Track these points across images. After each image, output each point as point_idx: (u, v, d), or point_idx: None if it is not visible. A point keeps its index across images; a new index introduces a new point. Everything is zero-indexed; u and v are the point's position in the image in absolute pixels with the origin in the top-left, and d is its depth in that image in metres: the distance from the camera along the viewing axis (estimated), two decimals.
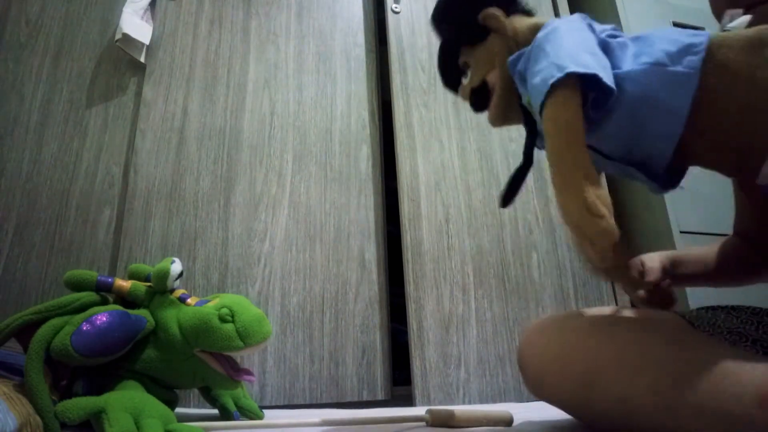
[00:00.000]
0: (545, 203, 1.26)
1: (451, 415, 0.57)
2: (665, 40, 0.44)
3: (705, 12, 1.52)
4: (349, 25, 1.34)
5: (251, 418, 0.67)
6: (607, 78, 0.41)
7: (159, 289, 0.60)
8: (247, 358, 0.97)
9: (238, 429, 0.60)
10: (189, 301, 0.60)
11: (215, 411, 0.68)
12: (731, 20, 0.46)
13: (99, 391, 0.53)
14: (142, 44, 1.16)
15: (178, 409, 0.65)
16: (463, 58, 0.59)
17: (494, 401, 1.02)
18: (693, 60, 0.42)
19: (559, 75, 0.40)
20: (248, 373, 0.61)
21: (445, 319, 1.06)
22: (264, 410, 0.71)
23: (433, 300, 1.07)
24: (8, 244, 1.01)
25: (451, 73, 0.61)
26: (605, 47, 0.47)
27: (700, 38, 0.42)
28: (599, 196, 0.38)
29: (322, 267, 1.09)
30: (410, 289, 1.07)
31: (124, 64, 1.18)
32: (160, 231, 1.04)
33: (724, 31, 0.45)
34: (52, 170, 1.07)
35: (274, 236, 1.09)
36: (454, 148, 1.24)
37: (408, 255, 1.09)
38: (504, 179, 1.25)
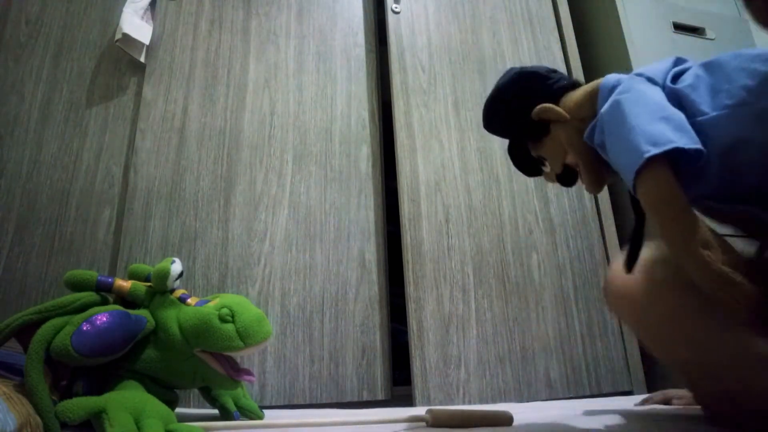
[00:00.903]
0: (545, 203, 1.26)
1: (451, 415, 0.57)
2: (741, 72, 0.42)
3: (705, 12, 1.52)
4: (349, 25, 1.34)
5: (251, 418, 0.67)
6: (689, 142, 0.40)
7: (159, 289, 0.60)
8: (247, 358, 0.97)
9: (238, 429, 0.60)
10: (189, 301, 0.60)
11: (215, 411, 0.68)
12: None
13: (99, 391, 0.53)
14: (142, 44, 1.16)
15: (178, 409, 0.65)
16: (534, 152, 0.61)
17: (494, 401, 1.02)
18: None
19: (639, 163, 0.40)
20: (248, 373, 0.61)
21: (445, 319, 1.06)
22: (264, 410, 0.71)
23: (433, 300, 1.07)
24: (8, 244, 1.01)
25: (529, 167, 0.63)
26: (676, 98, 0.46)
27: None
28: (725, 261, 0.37)
29: (322, 267, 1.09)
30: (410, 289, 1.07)
31: (124, 64, 1.18)
32: (160, 231, 1.04)
33: None
34: (52, 170, 1.07)
35: (274, 236, 1.09)
36: (454, 148, 1.24)
37: (408, 255, 1.09)
38: (504, 179, 1.25)
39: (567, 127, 0.56)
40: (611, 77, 0.52)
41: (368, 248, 1.14)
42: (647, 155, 0.40)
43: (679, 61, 0.51)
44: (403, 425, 0.59)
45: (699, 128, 0.43)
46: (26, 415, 0.42)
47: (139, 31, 1.14)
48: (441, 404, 0.98)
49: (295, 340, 1.01)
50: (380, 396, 1.01)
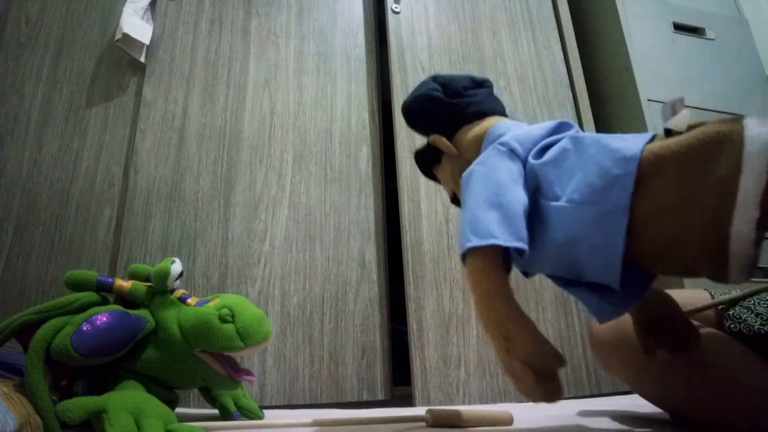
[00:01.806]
0: None
1: (451, 415, 0.57)
2: (594, 166, 0.41)
3: (705, 12, 1.52)
4: (349, 25, 1.34)
5: (251, 419, 0.67)
6: (510, 239, 0.40)
7: (159, 289, 0.60)
8: (247, 358, 0.97)
9: (238, 429, 0.60)
10: (189, 301, 0.60)
11: (215, 411, 0.68)
12: (673, 112, 0.40)
13: (99, 391, 0.53)
14: (142, 44, 1.16)
15: (178, 409, 0.65)
16: (434, 170, 0.61)
17: (494, 401, 1.02)
18: (620, 197, 0.38)
19: (463, 249, 0.41)
20: (248, 373, 0.61)
21: (445, 319, 1.06)
22: (264, 410, 0.71)
23: (433, 300, 1.07)
24: (8, 244, 1.01)
25: (431, 178, 0.63)
26: (534, 175, 0.45)
27: (627, 167, 0.38)
28: (520, 354, 0.37)
29: (322, 267, 1.09)
30: (410, 289, 1.07)
31: (124, 64, 1.18)
32: (160, 231, 1.04)
33: (665, 129, 0.40)
34: (52, 170, 1.07)
35: (274, 236, 1.09)
36: None
37: (408, 255, 1.09)
38: None
39: (454, 162, 0.55)
40: (498, 127, 0.51)
41: (368, 248, 1.14)
42: (468, 245, 0.40)
43: (561, 127, 0.49)
44: (403, 425, 0.59)
45: (547, 212, 0.43)
46: (26, 415, 0.42)
47: (139, 31, 1.14)
48: (441, 404, 0.98)
49: (295, 340, 1.01)
50: (380, 396, 1.01)
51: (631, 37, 1.41)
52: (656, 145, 0.38)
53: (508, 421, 0.59)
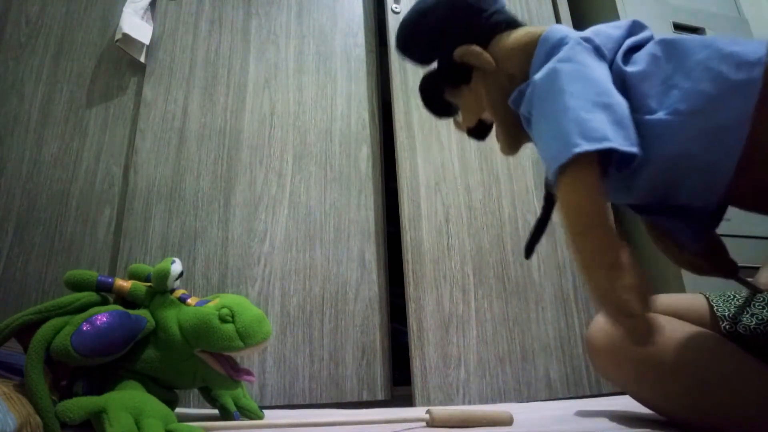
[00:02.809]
0: None
1: (451, 415, 0.57)
2: (706, 71, 0.35)
3: (705, 12, 1.52)
4: (349, 26, 1.34)
5: (251, 419, 0.67)
6: (625, 143, 0.34)
7: (159, 290, 0.60)
8: (246, 358, 0.97)
9: (238, 429, 0.60)
10: (189, 301, 0.60)
11: (215, 411, 0.68)
12: None
13: (99, 391, 0.53)
14: (142, 44, 1.16)
15: (178, 409, 0.65)
16: (450, 97, 0.52)
17: (494, 401, 1.02)
18: (741, 108, 0.33)
19: (566, 157, 0.34)
20: (248, 373, 0.61)
21: (445, 319, 1.06)
22: (264, 410, 0.71)
23: (433, 300, 1.07)
24: (8, 244, 1.01)
25: (440, 109, 0.54)
26: (623, 82, 0.39)
27: (752, 72, 0.33)
28: (629, 286, 0.32)
29: (322, 267, 1.09)
30: (410, 289, 1.07)
31: (124, 64, 1.18)
32: (160, 231, 1.04)
33: None
34: (52, 170, 1.07)
35: (274, 236, 1.09)
36: (454, 148, 1.24)
37: (408, 255, 1.09)
38: (504, 179, 1.25)
39: (490, 79, 0.47)
40: (555, 31, 0.43)
41: (368, 248, 1.14)
42: (576, 150, 0.33)
43: (635, 27, 0.43)
44: (403, 425, 0.59)
45: (641, 127, 0.36)
46: (26, 415, 0.42)
47: (139, 31, 1.14)
48: (441, 404, 0.98)
49: (295, 340, 1.01)
50: (380, 396, 1.01)
51: None
52: None
53: (508, 421, 0.59)
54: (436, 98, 0.53)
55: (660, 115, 0.36)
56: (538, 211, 1.35)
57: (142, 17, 1.18)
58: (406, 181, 1.16)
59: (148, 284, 0.62)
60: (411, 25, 0.51)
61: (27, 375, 0.46)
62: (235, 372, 0.60)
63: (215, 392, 0.67)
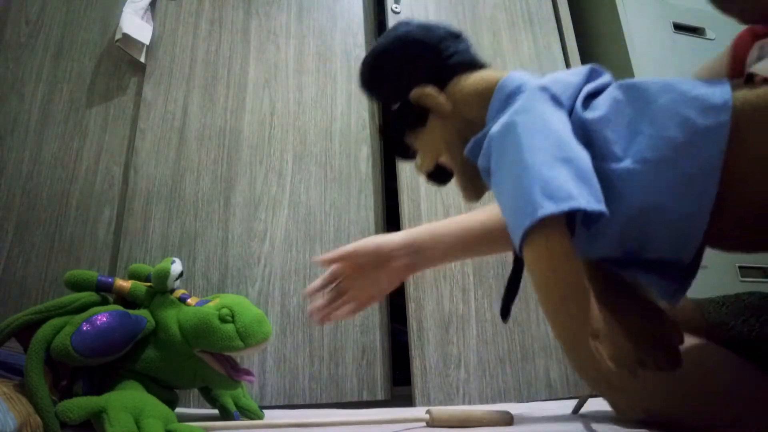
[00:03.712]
0: None
1: (450, 415, 0.57)
2: (671, 116, 0.33)
3: (705, 12, 1.52)
4: (349, 26, 1.34)
5: (251, 419, 0.67)
6: (591, 201, 0.31)
7: (159, 290, 0.60)
8: (247, 358, 0.97)
9: (238, 429, 0.60)
10: (189, 301, 0.60)
11: (215, 411, 0.68)
12: (760, 57, 0.33)
13: (99, 391, 0.53)
14: (142, 44, 1.16)
15: (178, 409, 0.65)
16: (408, 139, 0.50)
17: (494, 401, 1.02)
18: (711, 152, 0.31)
19: (532, 220, 0.32)
20: (248, 373, 0.61)
21: (445, 319, 1.06)
22: (264, 410, 0.71)
23: (433, 300, 1.07)
24: (8, 244, 1.01)
25: (401, 151, 0.52)
26: (584, 131, 0.36)
27: (719, 117, 0.31)
28: (613, 356, 0.31)
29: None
30: (410, 289, 1.07)
31: (124, 64, 1.18)
32: (160, 231, 1.04)
33: (748, 74, 0.33)
34: (52, 170, 1.07)
35: (274, 236, 1.09)
36: None
37: None
38: None
39: (447, 123, 0.45)
40: (513, 79, 0.41)
41: None
42: (541, 213, 0.31)
43: (594, 73, 0.41)
44: (403, 425, 0.59)
45: (607, 177, 0.34)
46: (26, 415, 0.42)
47: (139, 31, 1.14)
48: (441, 404, 0.98)
49: (295, 340, 1.01)
50: (380, 396, 1.01)
51: (631, 37, 1.41)
52: (746, 93, 0.32)
53: (508, 421, 0.59)
54: (397, 141, 0.51)
55: (627, 163, 0.34)
56: None
57: (142, 17, 1.18)
58: (406, 181, 1.16)
59: (149, 284, 0.62)
60: (370, 66, 0.49)
61: (27, 375, 0.47)
62: (235, 372, 0.60)
63: (215, 392, 0.67)
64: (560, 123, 0.35)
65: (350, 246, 0.64)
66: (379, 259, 0.63)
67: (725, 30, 1.52)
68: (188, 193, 1.08)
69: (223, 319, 0.56)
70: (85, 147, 1.10)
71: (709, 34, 1.49)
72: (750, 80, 0.33)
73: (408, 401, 1.01)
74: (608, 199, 0.33)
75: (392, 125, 0.50)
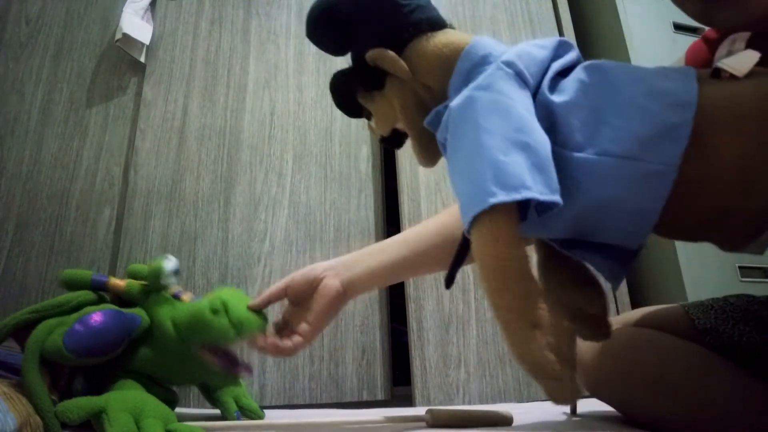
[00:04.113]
0: None
1: (451, 415, 0.57)
2: (638, 109, 0.33)
3: None
4: None
5: (252, 418, 0.67)
6: (545, 191, 0.31)
7: (153, 287, 0.60)
8: (246, 356, 0.97)
9: (239, 429, 0.60)
10: (183, 297, 0.60)
11: (216, 411, 0.68)
12: (729, 53, 0.33)
13: (99, 390, 0.53)
14: (142, 44, 1.16)
15: (178, 409, 0.65)
16: (362, 101, 0.46)
17: (494, 401, 1.02)
18: (672, 152, 0.31)
19: (481, 207, 0.31)
20: (247, 368, 0.60)
21: (445, 319, 1.06)
22: (264, 410, 0.71)
23: (433, 300, 1.07)
24: (8, 243, 1.01)
25: (351, 111, 0.48)
26: (548, 114, 0.35)
27: (684, 113, 0.31)
28: (553, 347, 0.31)
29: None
30: (410, 289, 1.07)
31: (124, 64, 1.18)
32: (160, 231, 1.04)
33: (716, 69, 0.32)
34: (52, 170, 1.07)
35: (274, 236, 1.09)
36: None
37: None
38: None
39: (406, 88, 0.42)
40: (479, 46, 0.38)
41: None
42: (492, 201, 0.30)
43: (561, 47, 0.38)
44: (403, 425, 0.59)
45: (566, 164, 0.33)
46: (26, 415, 0.42)
47: (139, 31, 1.14)
48: (441, 404, 0.98)
49: None
50: (380, 396, 1.01)
51: (631, 37, 1.41)
52: (710, 90, 0.31)
53: (509, 421, 0.59)
54: (348, 99, 0.47)
55: (589, 153, 0.33)
56: None
57: (142, 17, 1.18)
58: (406, 181, 1.16)
59: (144, 283, 0.62)
60: (319, 13, 0.43)
61: (24, 377, 0.46)
62: (233, 366, 0.59)
63: (216, 392, 0.66)
64: (522, 105, 0.34)
65: (285, 278, 0.64)
66: (310, 282, 0.62)
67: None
68: (188, 193, 1.08)
69: (215, 312, 0.55)
70: (85, 147, 1.10)
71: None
72: (716, 75, 0.33)
73: (408, 401, 1.01)
74: (564, 187, 0.32)
75: (344, 83, 0.46)
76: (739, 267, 1.19)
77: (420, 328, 1.04)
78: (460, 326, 1.07)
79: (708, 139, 0.31)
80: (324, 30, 0.44)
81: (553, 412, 0.71)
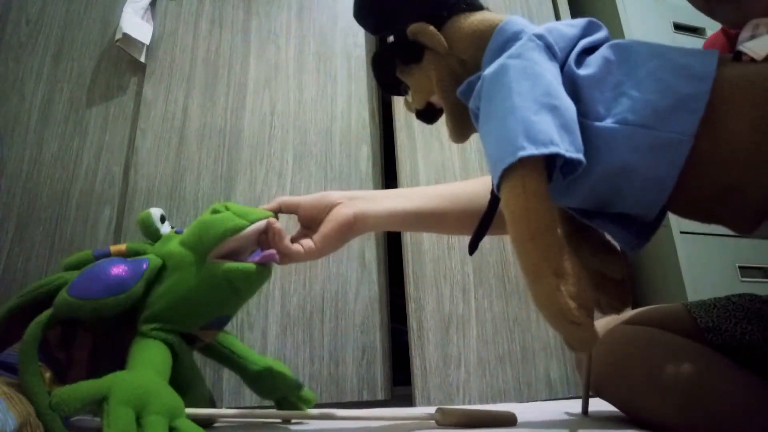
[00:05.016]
0: None
1: (461, 414, 0.57)
2: (656, 81, 0.34)
3: None
4: (349, 26, 1.34)
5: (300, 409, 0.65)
6: (571, 149, 0.33)
7: (150, 238, 0.58)
8: (250, 343, 0.96)
9: (245, 418, 0.59)
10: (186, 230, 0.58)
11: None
12: (753, 36, 0.34)
13: (123, 356, 0.50)
14: (143, 44, 1.16)
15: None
16: (400, 75, 0.49)
17: (494, 401, 1.02)
18: (687, 122, 0.33)
19: (511, 160, 0.33)
20: (270, 255, 0.55)
21: (445, 319, 1.06)
22: (264, 410, 0.71)
23: (433, 300, 1.07)
24: (8, 243, 1.01)
25: (390, 85, 0.52)
26: (573, 86, 0.38)
27: (700, 85, 0.33)
28: (574, 295, 0.32)
29: (322, 267, 1.09)
30: (410, 289, 1.07)
31: (124, 64, 1.18)
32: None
33: (738, 52, 0.34)
34: (52, 170, 1.07)
35: None
36: (454, 148, 1.24)
37: (408, 255, 1.09)
38: None
39: (442, 62, 0.45)
40: (512, 23, 0.41)
41: (368, 248, 1.14)
42: (521, 153, 0.32)
43: (591, 26, 0.41)
44: (413, 423, 0.59)
45: (588, 133, 0.36)
46: (26, 415, 0.42)
47: (139, 30, 1.14)
48: (441, 404, 0.98)
49: (295, 340, 1.01)
50: (380, 396, 1.01)
51: (631, 37, 1.41)
52: (729, 70, 0.33)
53: (513, 421, 0.59)
54: (387, 74, 0.51)
55: (608, 122, 0.35)
56: None
57: (143, 17, 1.18)
58: (406, 181, 1.16)
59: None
60: None
61: (22, 377, 0.45)
62: (254, 258, 0.55)
63: (273, 384, 0.63)
64: (551, 73, 0.37)
65: (298, 197, 0.63)
66: (323, 206, 0.61)
67: None
68: (188, 193, 1.08)
69: (215, 211, 0.53)
70: (85, 147, 1.10)
71: (709, 34, 1.49)
72: (738, 58, 0.34)
73: (408, 401, 1.01)
74: (587, 154, 0.34)
75: (385, 57, 0.50)
76: (740, 267, 1.19)
77: (420, 328, 1.04)
78: (460, 326, 1.07)
79: (723, 113, 0.32)
80: (371, 6, 0.47)
81: (555, 411, 0.71)
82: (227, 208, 0.53)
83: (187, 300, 0.52)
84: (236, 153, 1.14)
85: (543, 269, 0.32)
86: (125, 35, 1.11)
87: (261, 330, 1.00)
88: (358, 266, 1.11)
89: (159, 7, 1.23)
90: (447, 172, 1.21)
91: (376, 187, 1.20)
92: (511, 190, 0.33)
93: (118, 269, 0.50)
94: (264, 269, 0.55)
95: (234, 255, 0.54)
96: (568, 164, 0.34)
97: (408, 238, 1.11)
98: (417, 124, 1.23)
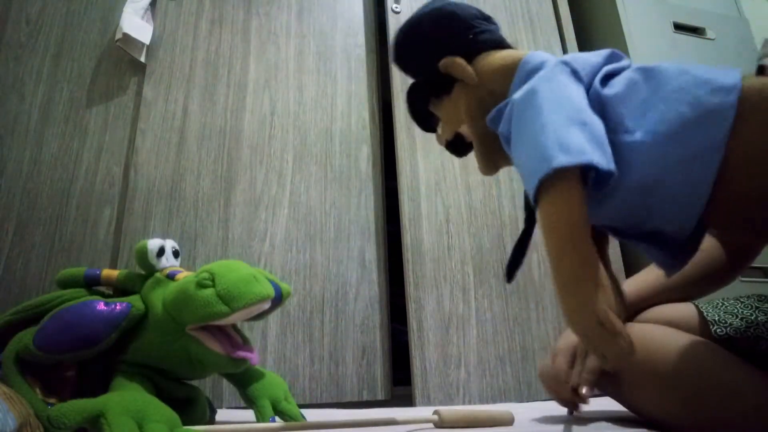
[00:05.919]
0: None
1: (459, 415, 0.57)
2: (683, 95, 0.35)
3: (705, 12, 1.52)
4: (349, 26, 1.34)
5: None
6: (602, 160, 0.33)
7: (145, 270, 0.56)
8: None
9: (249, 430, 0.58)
10: (178, 276, 0.54)
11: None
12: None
13: (105, 388, 0.51)
14: (143, 44, 1.16)
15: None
16: (432, 108, 0.53)
17: (494, 401, 1.02)
18: (717, 133, 0.33)
19: (546, 171, 0.33)
20: (249, 350, 0.54)
21: (445, 319, 1.06)
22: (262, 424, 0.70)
23: (433, 300, 1.07)
24: (8, 243, 1.01)
25: (424, 121, 0.55)
26: (600, 105, 0.39)
27: (727, 97, 0.33)
28: (611, 305, 0.32)
29: (322, 267, 1.09)
30: (410, 289, 1.07)
31: (124, 64, 1.18)
32: (160, 231, 1.04)
33: (760, 66, 0.36)
34: (52, 170, 1.07)
35: (274, 236, 1.09)
36: None
37: (408, 255, 1.09)
38: (504, 179, 1.25)
39: (471, 93, 0.49)
40: (536, 56, 0.45)
41: (368, 248, 1.14)
42: (556, 164, 0.33)
43: (614, 56, 0.43)
44: (411, 425, 0.59)
45: (619, 148, 0.36)
46: (26, 415, 0.42)
47: (139, 31, 1.14)
48: (441, 404, 0.98)
49: (295, 340, 1.01)
50: (380, 396, 1.01)
51: (631, 37, 1.41)
52: (755, 80, 0.34)
53: (509, 421, 0.59)
54: (420, 108, 0.54)
55: (637, 135, 0.36)
56: None
57: (143, 17, 1.18)
58: (406, 181, 1.16)
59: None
60: (404, 35, 0.53)
61: (11, 386, 0.46)
62: (233, 349, 0.52)
63: (251, 392, 0.60)
64: (578, 93, 0.38)
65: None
66: None
67: (725, 30, 1.52)
68: (188, 193, 1.08)
69: (201, 285, 0.49)
70: (85, 147, 1.10)
71: (709, 34, 1.49)
72: (761, 73, 0.36)
73: (408, 401, 1.01)
74: (617, 168, 0.35)
75: (417, 92, 0.53)
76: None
77: (420, 328, 1.04)
78: (460, 326, 1.07)
79: (751, 123, 0.32)
80: (407, 48, 0.52)
81: (555, 411, 0.71)
82: (213, 280, 0.50)
83: (160, 362, 0.54)
84: (236, 153, 1.14)
85: (582, 279, 0.33)
86: (125, 35, 1.11)
87: (261, 330, 1.01)
88: (358, 266, 1.11)
89: (159, 7, 1.23)
90: (447, 172, 1.21)
91: (375, 187, 1.20)
92: (549, 202, 0.34)
93: (93, 319, 0.49)
94: (235, 363, 0.53)
95: (216, 327, 0.53)
96: (600, 177, 0.34)
97: (408, 239, 1.11)
98: None
